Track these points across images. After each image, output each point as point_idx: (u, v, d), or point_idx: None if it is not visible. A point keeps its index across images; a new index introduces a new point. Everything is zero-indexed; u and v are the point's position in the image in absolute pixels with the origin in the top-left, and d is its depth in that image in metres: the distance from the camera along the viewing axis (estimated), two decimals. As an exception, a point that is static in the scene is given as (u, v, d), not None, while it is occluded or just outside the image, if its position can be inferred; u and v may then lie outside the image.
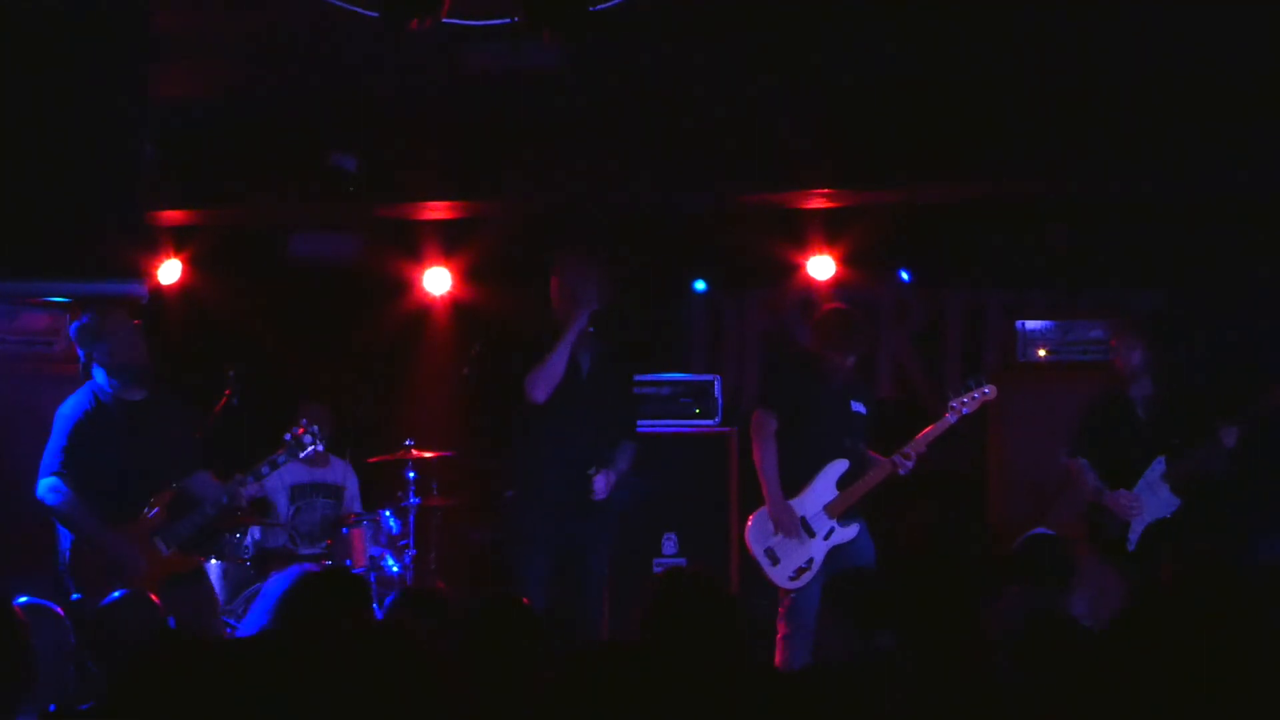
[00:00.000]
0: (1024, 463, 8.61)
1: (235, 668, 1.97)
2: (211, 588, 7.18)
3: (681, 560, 8.26)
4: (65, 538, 6.68)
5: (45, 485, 6.65)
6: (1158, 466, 7.45)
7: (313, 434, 7.25)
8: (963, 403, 7.53)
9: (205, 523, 6.90)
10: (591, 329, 7.21)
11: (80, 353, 6.87)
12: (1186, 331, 8.97)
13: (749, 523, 7.54)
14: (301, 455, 7.30)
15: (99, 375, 6.82)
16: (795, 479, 7.44)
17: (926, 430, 7.47)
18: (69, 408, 6.76)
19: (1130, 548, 7.41)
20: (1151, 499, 7.43)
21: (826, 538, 7.42)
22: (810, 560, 7.39)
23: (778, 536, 7.42)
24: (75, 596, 6.48)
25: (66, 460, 6.64)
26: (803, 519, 7.40)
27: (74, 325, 6.89)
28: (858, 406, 7.61)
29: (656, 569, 8.10)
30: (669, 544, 8.33)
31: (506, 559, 7.20)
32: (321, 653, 2.28)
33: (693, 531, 8.37)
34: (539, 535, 7.12)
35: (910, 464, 7.42)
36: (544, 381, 7.11)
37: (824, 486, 7.45)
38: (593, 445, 7.21)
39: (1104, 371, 7.88)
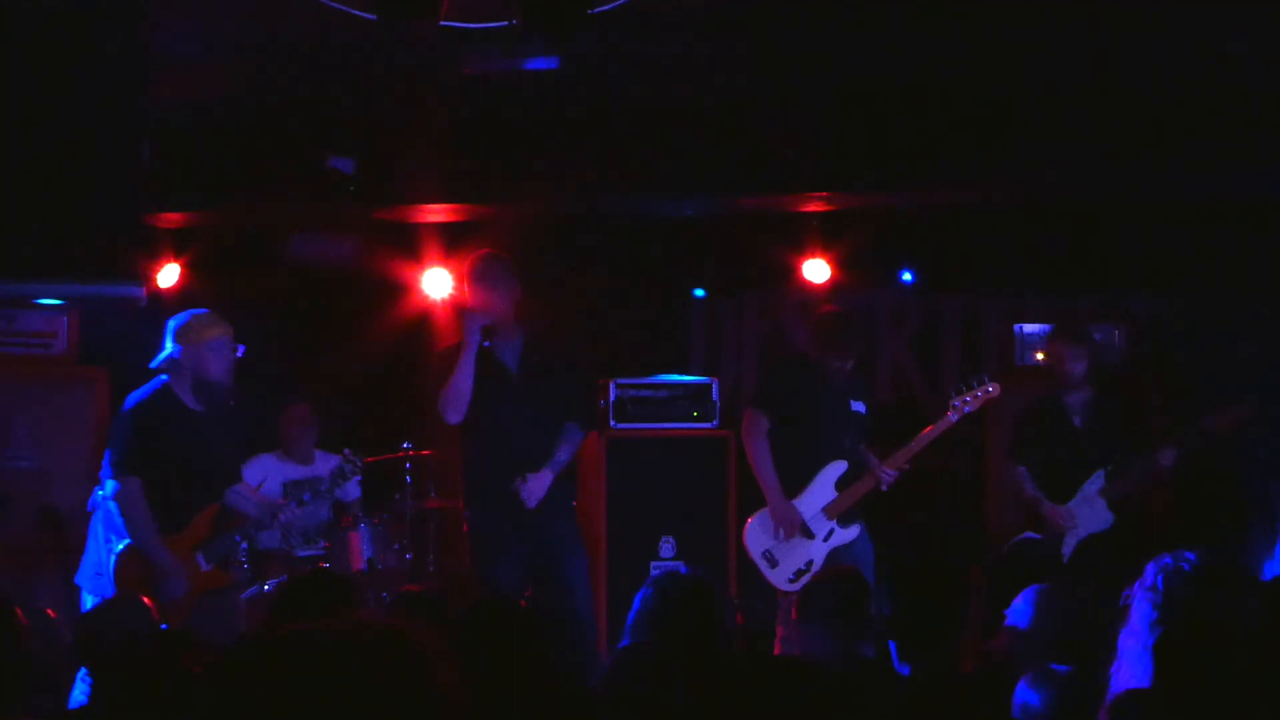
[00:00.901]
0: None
1: (225, 670, 1.97)
2: (241, 603, 7.15)
3: (679, 564, 8.24)
4: (116, 540, 6.63)
5: (111, 484, 6.61)
6: (1096, 481, 7.45)
7: (353, 464, 7.30)
8: (965, 401, 7.44)
9: (246, 542, 6.91)
10: (487, 343, 7.02)
11: (168, 346, 6.70)
12: (1170, 335, 8.99)
13: (747, 525, 7.52)
14: (343, 483, 7.42)
15: (176, 378, 6.70)
16: (794, 480, 7.42)
17: (926, 430, 7.42)
18: (138, 404, 6.66)
19: (1064, 560, 7.41)
20: (1087, 513, 7.44)
21: (826, 539, 7.41)
22: (809, 562, 7.37)
23: (777, 538, 7.40)
24: None
25: (135, 460, 6.58)
26: (801, 521, 7.39)
27: (174, 320, 6.74)
28: (858, 406, 7.58)
29: (654, 572, 8.07)
30: (666, 547, 8.30)
31: (478, 575, 7.06)
32: (313, 654, 2.28)
33: (690, 534, 8.34)
34: (503, 548, 6.98)
35: (892, 477, 7.36)
36: (452, 403, 6.97)
37: (823, 488, 7.43)
38: (537, 448, 7.04)
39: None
